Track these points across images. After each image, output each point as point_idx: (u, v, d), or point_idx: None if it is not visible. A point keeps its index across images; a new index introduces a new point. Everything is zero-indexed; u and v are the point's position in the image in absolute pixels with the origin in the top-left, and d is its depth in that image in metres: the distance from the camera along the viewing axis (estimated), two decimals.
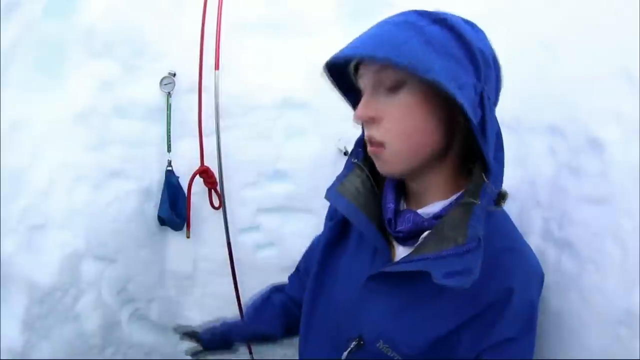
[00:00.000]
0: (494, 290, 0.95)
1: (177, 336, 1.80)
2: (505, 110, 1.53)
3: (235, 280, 2.42)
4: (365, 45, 0.89)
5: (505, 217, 1.06)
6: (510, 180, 1.48)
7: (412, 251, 0.97)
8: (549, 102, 1.50)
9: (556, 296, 1.35)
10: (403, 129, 0.94)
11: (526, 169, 1.54)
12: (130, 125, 2.34)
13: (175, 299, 2.62)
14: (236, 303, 2.49)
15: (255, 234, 2.44)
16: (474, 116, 0.86)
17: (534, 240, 1.44)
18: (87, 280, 2.18)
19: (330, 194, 1.09)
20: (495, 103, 0.96)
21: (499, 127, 0.95)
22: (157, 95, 2.36)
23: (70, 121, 2.06)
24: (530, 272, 1.00)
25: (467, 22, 0.96)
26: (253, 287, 2.23)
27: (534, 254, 1.04)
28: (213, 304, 2.56)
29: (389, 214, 1.04)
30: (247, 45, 2.42)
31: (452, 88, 0.84)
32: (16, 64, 1.87)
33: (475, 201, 0.91)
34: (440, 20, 0.90)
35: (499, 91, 0.99)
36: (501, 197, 0.98)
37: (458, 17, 0.94)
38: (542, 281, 1.04)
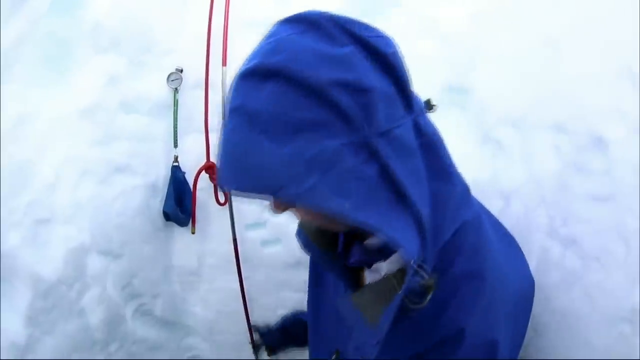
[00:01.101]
0: (445, 326, 0.89)
1: (181, 332, 1.72)
2: (510, 108, 1.62)
3: (240, 276, 2.38)
4: (227, 177, 0.78)
5: (478, 229, 0.96)
6: (515, 177, 1.58)
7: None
8: (554, 100, 1.50)
9: (560, 293, 1.35)
10: (317, 221, 0.93)
11: (531, 166, 1.54)
12: (137, 121, 2.29)
13: (181, 294, 2.60)
14: (241, 299, 2.46)
15: (261, 230, 2.41)
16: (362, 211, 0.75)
17: (538, 238, 1.45)
18: (91, 275, 2.16)
19: (297, 231, 1.09)
20: (400, 119, 0.80)
21: (435, 142, 0.87)
22: (163, 91, 2.35)
23: (76, 116, 2.04)
24: (491, 305, 0.92)
25: (323, 35, 0.77)
26: (259, 283, 2.42)
27: (503, 276, 0.96)
28: (218, 300, 2.54)
29: (340, 246, 1.05)
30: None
31: (322, 201, 0.74)
32: (22, 59, 1.86)
33: (397, 288, 0.84)
34: (276, 71, 0.74)
35: (406, 90, 0.82)
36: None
37: (306, 37, 0.77)
38: (520, 301, 1.01)
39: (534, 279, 1.19)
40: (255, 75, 0.76)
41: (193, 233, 2.39)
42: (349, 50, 0.75)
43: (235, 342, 2.56)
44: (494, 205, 1.49)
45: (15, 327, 1.79)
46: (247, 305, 2.38)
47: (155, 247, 2.42)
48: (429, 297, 0.83)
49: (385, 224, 0.76)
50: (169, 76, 2.34)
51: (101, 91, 2.12)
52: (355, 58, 0.75)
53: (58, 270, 1.99)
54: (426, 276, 0.82)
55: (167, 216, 2.34)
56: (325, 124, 0.73)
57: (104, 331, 2.22)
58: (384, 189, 0.77)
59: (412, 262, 0.78)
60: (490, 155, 1.76)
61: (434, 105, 0.91)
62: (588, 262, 1.28)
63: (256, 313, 2.49)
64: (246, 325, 2.44)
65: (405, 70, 0.81)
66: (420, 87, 0.90)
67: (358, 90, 0.74)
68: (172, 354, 2.61)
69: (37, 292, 1.88)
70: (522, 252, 1.21)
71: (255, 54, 0.80)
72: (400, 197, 0.78)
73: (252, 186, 0.76)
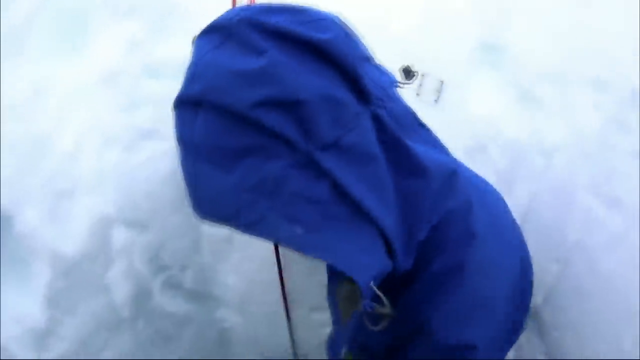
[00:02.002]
0: (414, 321, 0.87)
1: (212, 304, 1.95)
2: (548, 65, 1.63)
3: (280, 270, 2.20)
4: (192, 204, 0.83)
5: (465, 217, 0.88)
6: (556, 135, 1.60)
7: None
8: (593, 55, 1.52)
9: (605, 255, 1.35)
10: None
11: (572, 123, 1.55)
12: (162, 85, 2.13)
13: (211, 264, 2.43)
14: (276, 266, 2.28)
15: None
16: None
17: (579, 196, 1.46)
18: (117, 248, 2.04)
19: None
20: (351, 121, 0.74)
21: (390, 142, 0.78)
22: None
23: (98, 84, 1.92)
24: (461, 306, 0.86)
25: (239, 45, 0.73)
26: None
27: (490, 266, 0.90)
28: (251, 269, 2.40)
29: None
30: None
31: (274, 229, 0.73)
32: (39, 28, 1.80)
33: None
34: (199, 101, 0.75)
35: (356, 80, 0.73)
36: None
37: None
38: (512, 289, 0.94)
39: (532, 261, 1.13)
40: (184, 105, 0.79)
41: None
42: (269, 58, 0.69)
43: (268, 313, 2.42)
44: (534, 164, 1.50)
45: (33, 311, 1.68)
46: (283, 274, 2.22)
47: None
48: (384, 324, 0.80)
49: (339, 251, 0.72)
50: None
51: (123, 57, 2.00)
52: (278, 66, 0.69)
53: (80, 246, 1.86)
54: (382, 306, 0.78)
55: None
56: (262, 148, 0.71)
57: (131, 308, 2.08)
58: (339, 207, 0.73)
59: (368, 287, 0.73)
60: (529, 113, 1.71)
61: (414, 73, 0.89)
62: (631, 220, 1.29)
63: (290, 280, 2.34)
64: (280, 295, 2.30)
65: (350, 55, 0.73)
66: (452, 46, 0.91)
67: (288, 105, 0.68)
68: (202, 329, 2.46)
69: (57, 271, 1.75)
70: (519, 231, 1.09)
71: (184, 79, 0.80)
72: (358, 212, 0.74)
73: (211, 215, 0.80)
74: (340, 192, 0.72)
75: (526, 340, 1.56)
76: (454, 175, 0.87)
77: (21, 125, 1.66)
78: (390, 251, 0.79)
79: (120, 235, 2.07)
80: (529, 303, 1.12)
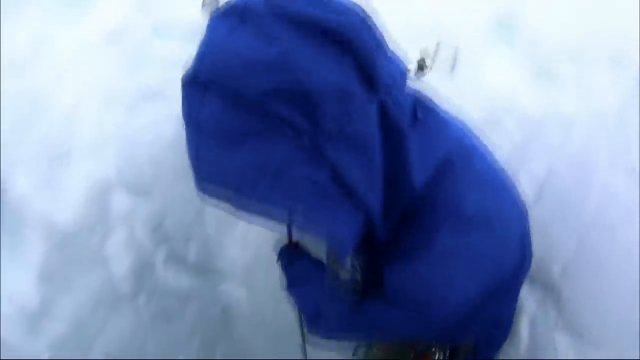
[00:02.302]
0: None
1: (216, 279, 1.98)
2: (565, 41, 1.62)
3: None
4: (195, 180, 0.85)
5: (454, 199, 0.93)
6: (573, 111, 1.56)
7: None
8: (610, 32, 1.49)
9: (625, 230, 1.32)
10: None
11: (589, 98, 1.51)
12: (169, 46, 1.99)
13: (216, 236, 2.30)
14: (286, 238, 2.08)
15: None
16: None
17: (598, 169, 1.43)
18: (117, 216, 1.86)
19: None
20: (357, 110, 0.75)
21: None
22: (198, 16, 1.96)
23: (101, 42, 1.79)
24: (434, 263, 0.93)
25: (254, 30, 0.72)
26: None
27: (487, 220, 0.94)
28: (258, 240, 2.25)
29: None
30: None
31: (273, 208, 0.79)
32: None
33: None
34: (209, 83, 0.75)
35: (368, 69, 0.73)
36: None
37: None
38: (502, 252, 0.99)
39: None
40: (194, 85, 0.77)
41: None
42: (282, 47, 0.69)
43: (274, 288, 2.07)
44: (551, 138, 1.51)
45: (25, 288, 1.52)
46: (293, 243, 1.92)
47: (188, 183, 2.00)
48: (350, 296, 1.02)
49: (329, 227, 0.81)
50: (203, 2, 1.97)
51: (129, 16, 1.89)
52: (291, 55, 0.69)
53: (77, 214, 1.68)
54: (355, 274, 1.01)
55: None
56: (269, 133, 0.72)
57: (131, 282, 1.91)
58: (334, 190, 0.76)
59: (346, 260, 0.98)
60: (545, 88, 1.64)
61: (425, 67, 0.93)
62: None
63: None
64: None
65: (366, 44, 0.73)
66: (468, 21, 0.93)
67: (297, 95, 0.70)
68: (206, 304, 2.32)
69: (51, 243, 1.58)
70: (527, 239, 1.11)
71: (194, 58, 0.79)
72: (349, 195, 0.78)
73: (212, 190, 0.80)
74: (337, 177, 0.75)
75: (543, 314, 1.51)
76: (446, 164, 0.92)
77: (19, 84, 1.55)
78: (371, 227, 0.87)
79: (120, 202, 1.89)
80: (509, 308, 1.28)
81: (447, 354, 1.32)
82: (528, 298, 1.49)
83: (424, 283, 0.92)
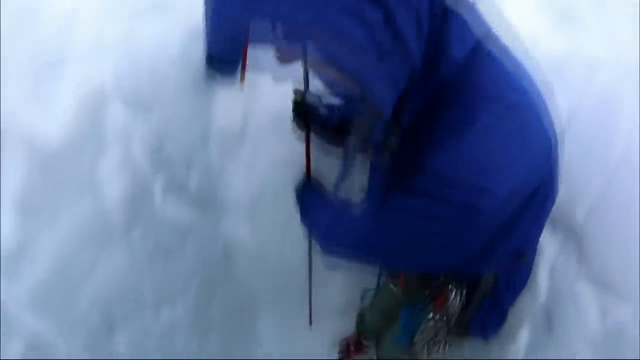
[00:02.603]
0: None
1: (218, 212, 1.82)
2: None
3: (308, 135, 1.52)
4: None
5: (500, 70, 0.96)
6: (597, 49, 1.53)
7: None
8: None
9: None
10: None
11: (613, 39, 1.50)
12: None
13: (219, 163, 2.04)
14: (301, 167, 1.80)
15: None
16: None
17: (624, 108, 1.40)
18: (112, 133, 1.61)
19: None
20: None
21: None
22: None
23: None
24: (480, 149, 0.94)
25: None
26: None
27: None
28: (264, 168, 2.05)
29: None
30: None
31: (330, 38, 0.80)
32: None
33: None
34: None
35: None
36: None
37: None
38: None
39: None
40: None
41: (242, 80, 1.70)
42: None
43: (280, 223, 2.08)
44: (576, 77, 1.49)
45: (3, 222, 1.28)
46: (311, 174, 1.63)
47: (192, 102, 1.90)
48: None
49: (374, 78, 0.84)
50: None
51: None
52: None
53: (65, 128, 1.46)
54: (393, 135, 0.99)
55: (211, 60, 1.65)
56: None
57: (125, 212, 1.65)
58: (385, 34, 0.78)
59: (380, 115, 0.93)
60: (569, 31, 1.63)
61: None
62: None
63: None
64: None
65: None
66: None
67: None
68: (206, 242, 2.06)
69: (33, 165, 1.37)
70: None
71: None
72: (398, 42, 0.80)
73: (260, 11, 0.80)
74: (388, 21, 0.77)
75: (564, 261, 1.46)
76: (483, 50, 0.94)
77: None
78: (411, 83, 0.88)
79: (116, 117, 1.63)
80: (533, 239, 1.25)
81: (464, 293, 1.28)
82: (549, 242, 1.40)
83: (468, 163, 0.91)
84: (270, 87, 1.93)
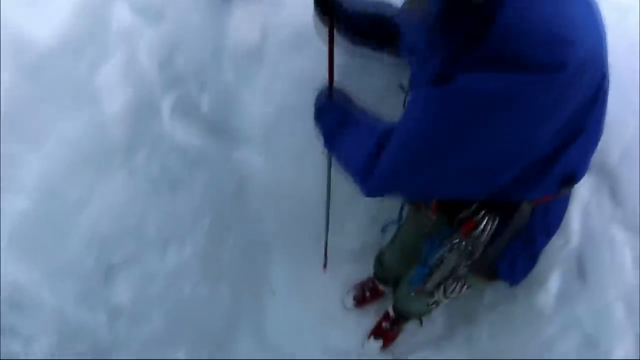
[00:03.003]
0: None
1: (231, 141, 1.68)
2: None
3: (331, 49, 1.32)
4: None
5: None
6: None
7: None
8: None
9: None
10: None
11: None
12: None
13: (234, 84, 1.78)
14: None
15: None
16: None
17: None
18: (116, 36, 1.37)
19: None
20: None
21: None
22: None
23: None
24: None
25: None
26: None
27: None
28: (284, 93, 1.80)
29: None
30: None
31: None
32: None
33: None
34: None
35: None
36: None
37: None
38: None
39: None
40: None
41: None
42: None
43: (298, 155, 1.88)
44: (608, 19, 1.20)
45: None
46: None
47: (206, 13, 1.67)
48: None
49: None
50: None
51: None
52: None
53: (61, 26, 1.24)
54: None
55: None
56: None
57: (128, 130, 1.40)
58: None
59: None
60: None
61: None
62: None
63: None
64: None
65: None
66: None
67: None
68: (218, 171, 1.81)
69: (21, 66, 1.13)
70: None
71: None
72: None
73: None
74: None
75: (597, 203, 1.40)
76: None
77: None
78: None
79: (122, 20, 1.38)
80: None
81: (496, 223, 1.15)
82: (581, 183, 1.27)
83: (546, 14, 0.81)
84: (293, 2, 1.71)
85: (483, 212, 1.15)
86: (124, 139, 1.39)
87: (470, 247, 1.19)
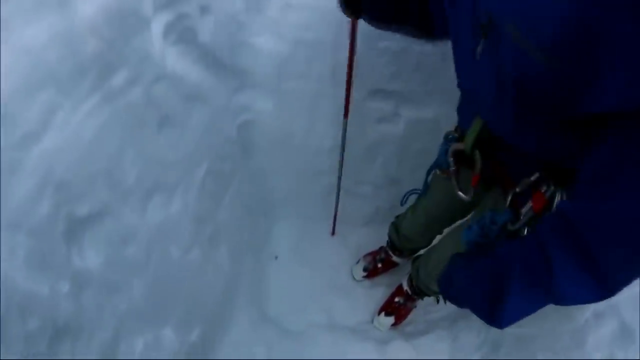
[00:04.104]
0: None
1: (234, 79, 1.47)
2: None
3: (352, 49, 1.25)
4: None
5: None
6: None
7: None
8: None
9: None
10: None
11: None
12: None
13: (242, 12, 1.49)
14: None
15: None
16: None
17: None
18: None
19: None
20: None
21: None
22: None
23: None
24: None
25: None
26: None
27: None
28: (298, 23, 1.53)
29: None
30: None
31: None
32: None
33: None
34: None
35: None
36: None
37: None
38: None
39: None
40: None
41: None
42: None
43: (310, 99, 1.61)
44: None
45: None
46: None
47: None
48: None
49: None
50: None
51: None
52: None
53: None
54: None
55: None
56: None
57: (105, 43, 1.05)
58: None
59: None
60: None
61: None
62: None
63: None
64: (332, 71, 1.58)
65: None
66: None
67: None
68: (216, 113, 1.47)
69: None
70: None
71: None
72: None
73: None
74: None
75: None
76: None
77: None
78: None
79: None
80: None
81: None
82: None
83: None
84: None
85: (551, 184, 0.92)
86: (99, 55, 1.04)
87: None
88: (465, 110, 1.08)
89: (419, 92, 1.63)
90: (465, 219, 1.34)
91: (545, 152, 0.87)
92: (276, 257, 1.84)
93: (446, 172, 1.16)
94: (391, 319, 1.73)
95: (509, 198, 0.97)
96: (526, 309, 0.83)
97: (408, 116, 1.68)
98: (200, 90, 1.40)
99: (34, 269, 0.93)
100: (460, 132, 1.12)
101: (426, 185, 1.37)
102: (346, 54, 1.26)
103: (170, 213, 1.26)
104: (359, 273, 1.84)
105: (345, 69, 1.29)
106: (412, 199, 1.48)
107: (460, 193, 1.11)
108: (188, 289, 1.39)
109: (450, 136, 1.14)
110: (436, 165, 1.23)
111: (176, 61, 1.30)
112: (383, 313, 1.74)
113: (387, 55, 1.56)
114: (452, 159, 1.11)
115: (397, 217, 1.62)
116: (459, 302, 1.01)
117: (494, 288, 0.85)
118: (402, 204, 1.47)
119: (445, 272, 1.05)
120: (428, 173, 1.32)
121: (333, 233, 1.89)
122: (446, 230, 1.48)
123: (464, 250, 1.06)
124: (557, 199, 0.90)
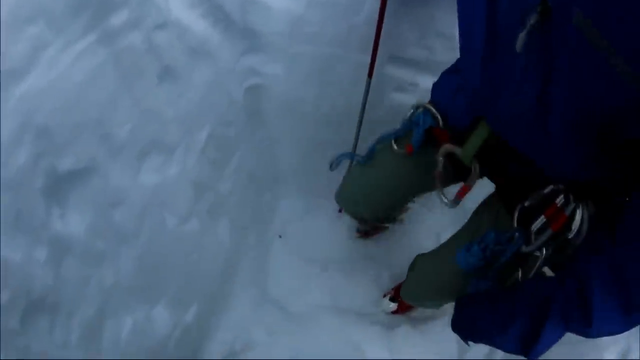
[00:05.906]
0: None
1: (242, 39, 1.26)
2: None
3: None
4: None
5: None
6: None
7: None
8: None
9: None
10: None
11: None
12: None
13: None
14: None
15: None
16: None
17: None
18: None
19: None
20: None
21: None
22: None
23: None
24: None
25: None
26: None
27: None
28: None
29: None
30: None
31: None
32: None
33: None
34: None
35: None
36: None
37: None
38: None
39: None
40: None
41: None
42: None
43: (325, 64, 1.43)
44: None
45: None
46: None
47: None
48: None
49: None
50: None
51: None
52: None
53: None
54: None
55: None
56: None
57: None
58: None
59: None
60: None
61: None
62: None
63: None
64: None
65: None
66: None
67: None
68: (222, 74, 1.30)
69: None
70: None
71: None
72: None
73: None
74: None
75: None
76: None
77: None
78: None
79: None
80: None
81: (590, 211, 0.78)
82: None
83: None
84: None
85: (571, 198, 0.79)
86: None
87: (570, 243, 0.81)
88: (460, 105, 0.89)
89: (439, 63, 1.47)
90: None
91: (584, 176, 0.75)
92: (280, 236, 1.70)
93: (408, 147, 0.98)
94: (394, 306, 1.60)
95: (516, 214, 0.84)
96: (556, 341, 0.79)
97: (426, 87, 1.52)
98: (206, 45, 1.24)
99: (5, 230, 0.76)
100: (443, 120, 0.93)
101: (371, 154, 1.11)
102: (362, 16, 1.15)
103: (166, 176, 1.10)
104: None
105: (361, 32, 1.18)
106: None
107: (444, 198, 0.95)
108: (184, 263, 1.24)
109: (423, 110, 0.96)
110: (395, 135, 1.02)
111: (182, 10, 1.13)
112: (388, 297, 1.61)
113: (409, 20, 1.40)
114: (442, 158, 0.92)
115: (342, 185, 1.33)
116: (485, 342, 0.91)
117: (529, 329, 0.80)
118: (331, 169, 1.20)
119: (465, 317, 0.97)
120: (379, 141, 1.08)
121: (341, 210, 1.73)
122: None
123: (462, 275, 0.96)
124: (579, 215, 0.78)
